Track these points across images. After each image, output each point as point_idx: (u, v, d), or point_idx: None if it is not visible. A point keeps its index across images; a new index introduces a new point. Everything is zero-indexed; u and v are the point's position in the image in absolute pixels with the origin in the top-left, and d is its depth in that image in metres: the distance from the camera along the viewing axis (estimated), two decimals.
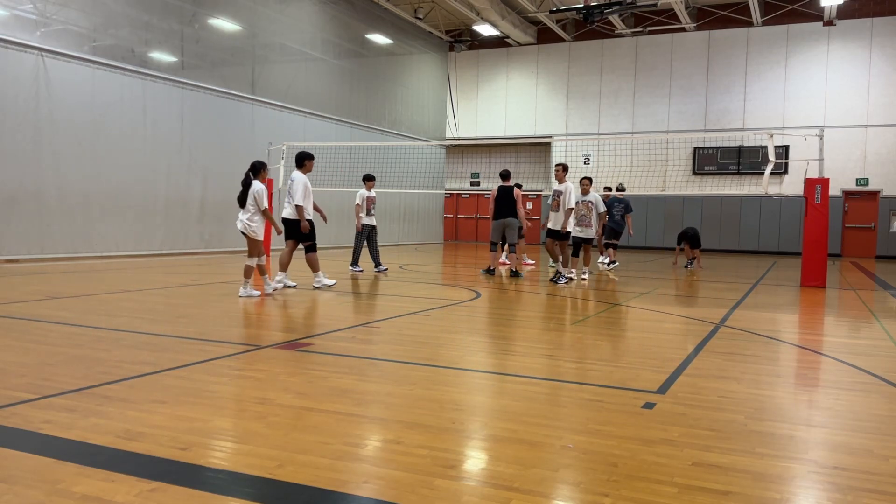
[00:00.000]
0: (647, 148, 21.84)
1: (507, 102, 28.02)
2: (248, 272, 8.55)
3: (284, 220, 9.50)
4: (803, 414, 3.95)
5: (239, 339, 5.75)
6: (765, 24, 23.67)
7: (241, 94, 17.51)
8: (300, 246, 9.55)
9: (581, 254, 11.83)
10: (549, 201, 11.44)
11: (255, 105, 17.96)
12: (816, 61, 23.24)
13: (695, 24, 24.29)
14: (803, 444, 3.34)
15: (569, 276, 11.31)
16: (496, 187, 12.20)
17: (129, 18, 14.84)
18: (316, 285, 9.46)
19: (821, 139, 11.81)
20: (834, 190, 20.46)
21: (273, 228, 8.97)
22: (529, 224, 17.82)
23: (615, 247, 15.01)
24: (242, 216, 8.58)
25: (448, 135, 28.00)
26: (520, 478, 2.79)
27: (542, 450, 3.14)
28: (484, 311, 8.06)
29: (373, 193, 12.24)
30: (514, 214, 11.98)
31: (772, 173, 12.78)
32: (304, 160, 9.50)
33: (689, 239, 15.75)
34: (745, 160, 23.72)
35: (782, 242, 23.55)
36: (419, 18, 24.37)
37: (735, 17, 23.90)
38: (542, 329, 6.93)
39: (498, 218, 12.07)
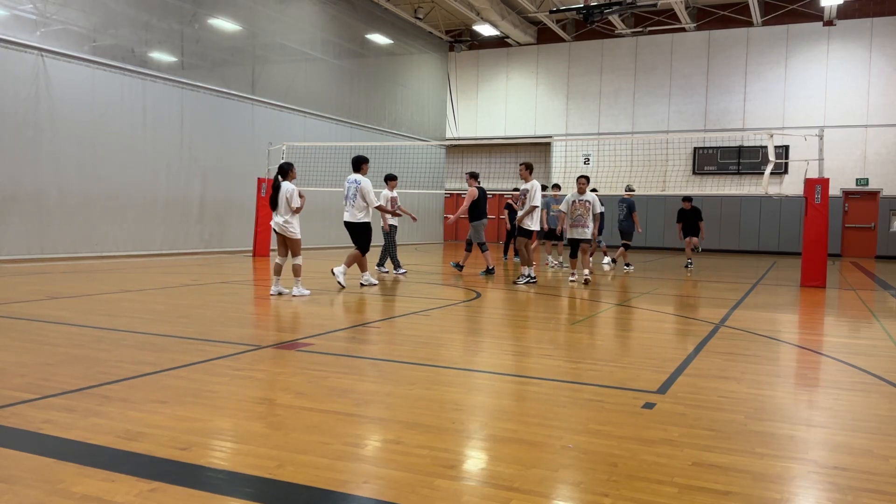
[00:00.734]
0: (647, 148, 21.85)
1: (507, 102, 28.02)
2: (297, 271, 8.72)
3: (347, 224, 9.77)
4: (803, 414, 3.95)
5: (239, 339, 5.76)
6: (765, 24, 23.67)
7: (241, 94, 17.52)
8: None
9: (579, 255, 11.47)
10: (516, 201, 11.44)
11: (255, 105, 17.96)
12: (816, 61, 23.24)
13: (695, 24, 24.29)
14: (803, 444, 3.34)
15: (529, 276, 11.07)
16: (475, 189, 12.66)
17: (129, 18, 14.84)
18: (338, 278, 9.75)
19: (821, 139, 11.81)
20: (834, 190, 20.47)
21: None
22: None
23: (627, 247, 14.95)
24: (278, 218, 8.64)
25: (448, 135, 28.00)
26: (520, 478, 2.79)
27: (542, 450, 3.14)
28: (484, 311, 8.06)
29: (395, 193, 12.26)
30: (482, 215, 12.87)
31: (772, 173, 12.78)
32: (362, 164, 9.78)
33: (686, 221, 15.49)
34: (745, 160, 23.73)
35: (782, 242, 23.55)
36: (419, 18, 24.37)
37: (735, 17, 23.90)
38: (542, 329, 6.93)
39: (483, 218, 12.78)
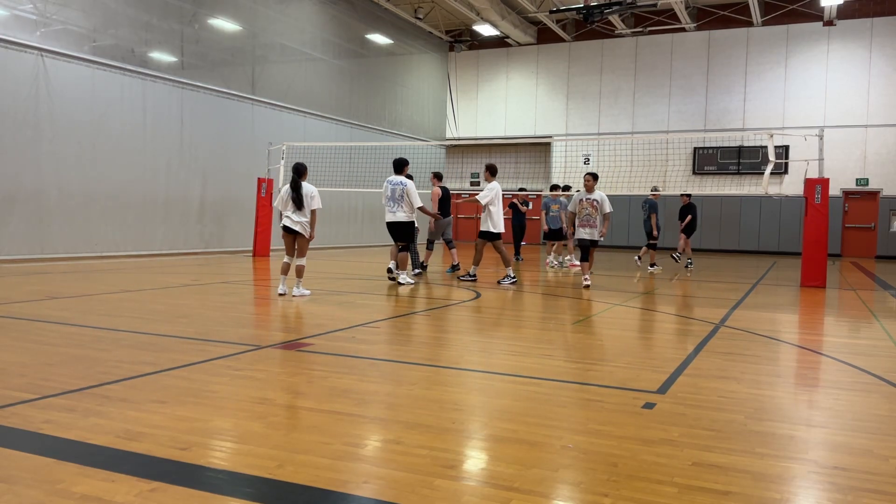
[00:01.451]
0: (647, 148, 21.85)
1: (507, 102, 28.01)
2: (300, 272, 8.70)
3: (388, 224, 10.30)
4: (803, 414, 3.95)
5: (239, 339, 5.76)
6: (765, 24, 23.67)
7: (241, 94, 17.52)
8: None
9: (590, 257, 10.85)
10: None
11: (255, 105, 17.96)
12: (816, 61, 23.24)
13: (695, 24, 24.29)
14: (803, 444, 3.34)
15: (511, 277, 10.94)
16: (439, 189, 12.78)
17: (129, 18, 14.84)
18: (402, 281, 10.31)
19: (821, 139, 11.81)
20: (834, 190, 20.45)
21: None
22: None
23: (651, 247, 14.89)
24: (298, 217, 8.58)
25: (448, 135, 27.99)
26: (520, 478, 2.79)
27: (542, 450, 3.14)
28: (484, 311, 8.06)
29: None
30: (447, 213, 13.07)
31: (772, 173, 12.78)
32: (404, 165, 10.36)
33: (682, 218, 15.38)
34: (745, 160, 23.72)
35: (782, 242, 23.55)
36: (419, 18, 24.37)
37: (735, 17, 23.90)
38: (542, 329, 6.93)
39: (447, 216, 12.96)
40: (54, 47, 13.06)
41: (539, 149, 27.18)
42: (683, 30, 24.66)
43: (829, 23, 22.96)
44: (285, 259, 8.81)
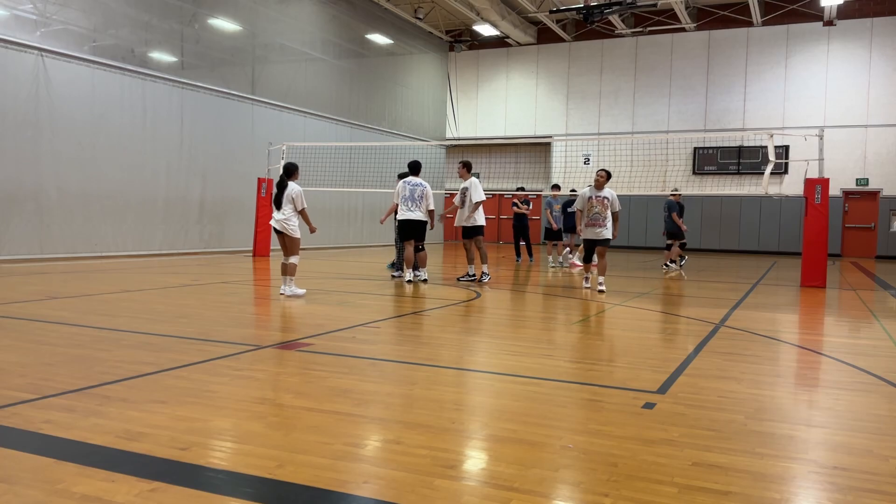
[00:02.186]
0: (647, 148, 21.85)
1: (507, 102, 28.01)
2: (289, 270, 8.62)
3: (407, 222, 10.49)
4: (803, 414, 3.95)
5: (239, 339, 5.76)
6: (765, 24, 23.67)
7: (241, 94, 17.52)
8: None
9: (595, 258, 10.12)
10: (456, 200, 11.13)
11: (255, 105, 17.96)
12: (816, 61, 23.25)
13: (695, 24, 24.29)
14: (803, 444, 3.34)
15: (473, 275, 10.89)
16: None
17: (129, 18, 14.85)
18: (425, 278, 10.78)
19: (821, 139, 11.81)
20: (834, 190, 20.45)
21: (309, 228, 8.95)
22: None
23: (676, 246, 14.83)
24: (279, 216, 8.60)
25: (448, 135, 28.00)
26: (520, 478, 2.79)
27: (542, 450, 3.14)
28: (484, 311, 8.06)
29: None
30: None
31: (772, 173, 12.78)
32: (420, 167, 10.76)
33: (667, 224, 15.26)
34: (745, 160, 23.73)
35: (782, 242, 23.55)
36: (419, 18, 24.37)
37: (735, 17, 23.90)
38: (542, 329, 6.93)
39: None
40: (54, 47, 13.06)
41: (539, 149, 27.18)
42: (683, 30, 24.66)
43: (829, 23, 22.96)
44: (283, 260, 8.79)
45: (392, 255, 12.66)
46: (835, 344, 6.45)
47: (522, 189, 17.24)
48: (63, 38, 13.54)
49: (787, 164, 19.94)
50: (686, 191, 24.21)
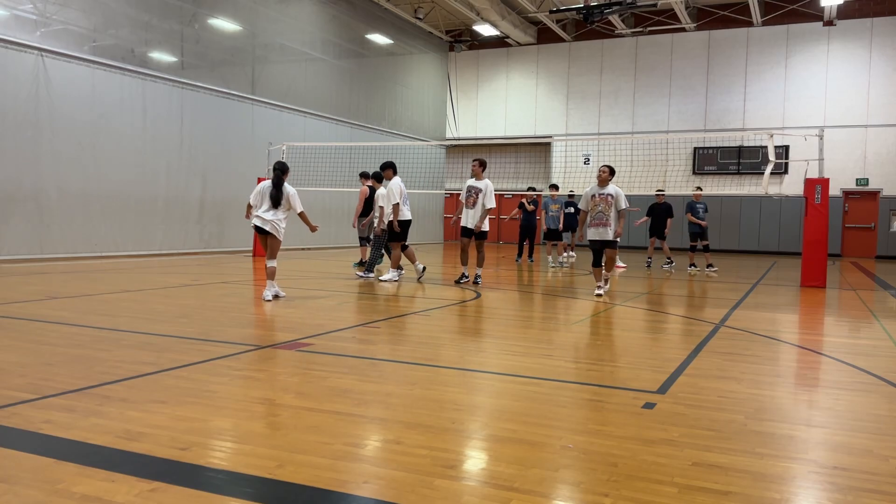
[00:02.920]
0: (647, 148, 21.85)
1: (507, 102, 28.02)
2: (273, 273, 8.34)
3: (409, 223, 10.82)
4: (803, 414, 3.95)
5: (239, 339, 5.75)
6: (765, 24, 23.67)
7: (241, 94, 17.52)
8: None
9: (603, 261, 9.41)
10: (462, 198, 10.59)
11: (255, 105, 17.96)
12: (816, 61, 23.25)
13: (695, 24, 24.29)
14: (803, 444, 3.34)
15: (468, 277, 10.69)
16: (367, 188, 13.03)
17: (129, 18, 14.84)
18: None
19: (821, 139, 11.81)
20: (834, 190, 20.45)
21: (310, 228, 8.67)
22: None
23: (698, 249, 14.67)
24: (271, 216, 8.16)
25: (448, 135, 28.00)
26: (520, 478, 2.79)
27: (542, 450, 3.14)
28: (484, 311, 8.06)
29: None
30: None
31: (772, 173, 12.77)
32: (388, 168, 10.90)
33: (656, 220, 15.13)
34: (745, 160, 23.73)
35: (782, 242, 23.55)
36: (419, 18, 24.37)
37: (735, 17, 23.90)
38: (542, 329, 6.93)
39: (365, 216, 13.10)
40: (54, 47, 13.06)
41: (539, 149, 27.18)
42: (683, 30, 24.66)
43: (829, 23, 22.96)
44: (267, 263, 8.30)
45: (357, 255, 12.68)
46: (835, 344, 6.45)
47: (533, 189, 17.21)
48: (63, 38, 13.54)
49: (787, 164, 19.93)
50: (686, 191, 24.22)
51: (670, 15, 24.06)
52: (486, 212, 10.37)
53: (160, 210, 15.37)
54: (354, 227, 13.33)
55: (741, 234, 24.14)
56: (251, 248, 16.51)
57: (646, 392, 4.22)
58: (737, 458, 3.06)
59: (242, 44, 18.04)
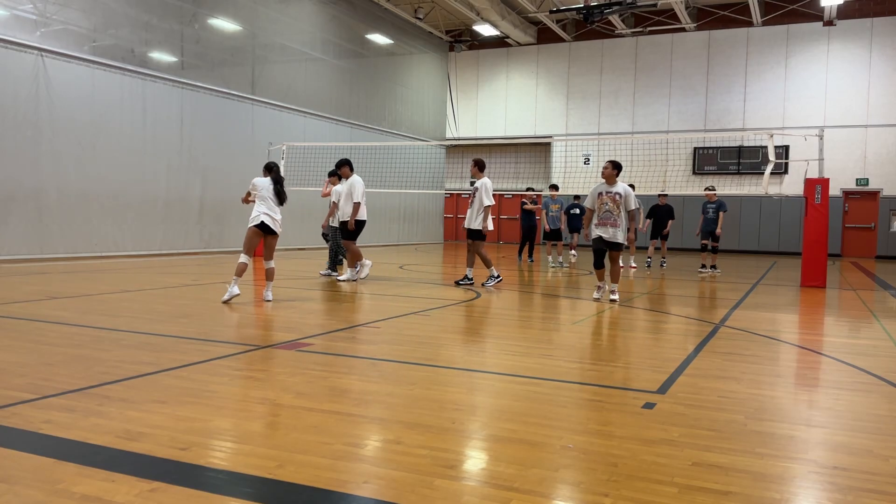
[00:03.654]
0: (647, 148, 21.85)
1: (507, 102, 28.02)
2: (272, 274, 8.31)
3: (364, 223, 10.91)
4: (803, 414, 3.95)
5: (239, 339, 5.75)
6: (765, 24, 23.67)
7: (241, 94, 17.51)
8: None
9: (606, 263, 8.90)
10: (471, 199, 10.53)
11: (255, 105, 17.96)
12: (816, 61, 23.25)
13: (695, 24, 24.29)
14: (803, 444, 3.34)
15: (471, 279, 10.51)
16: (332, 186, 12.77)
17: (129, 18, 14.84)
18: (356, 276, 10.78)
19: (821, 139, 11.81)
20: (834, 190, 20.47)
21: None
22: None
23: (708, 249, 14.46)
24: (277, 215, 8.10)
25: (448, 135, 28.00)
26: (520, 478, 2.79)
27: (542, 450, 3.14)
28: (484, 311, 8.06)
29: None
30: None
31: (772, 173, 12.77)
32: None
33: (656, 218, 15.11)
34: (745, 160, 23.73)
35: (782, 242, 23.55)
36: (419, 18, 24.37)
37: (735, 17, 23.90)
38: (543, 329, 6.93)
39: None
40: (54, 47, 13.06)
41: (539, 149, 27.18)
42: (683, 30, 24.66)
43: (829, 23, 22.96)
44: (243, 259, 7.99)
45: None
46: (835, 344, 6.45)
47: (532, 189, 17.23)
48: (63, 38, 13.54)
49: (787, 164, 19.94)
50: (686, 191, 24.25)
51: (670, 15, 24.06)
52: (484, 210, 10.26)
53: (160, 210, 15.36)
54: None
55: (741, 234, 24.14)
56: None
57: (646, 392, 4.22)
58: (737, 458, 3.06)
59: (242, 44, 18.04)
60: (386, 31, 23.45)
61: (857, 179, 22.88)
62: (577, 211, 15.52)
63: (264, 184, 8.14)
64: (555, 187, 15.81)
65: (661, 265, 15.54)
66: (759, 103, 23.95)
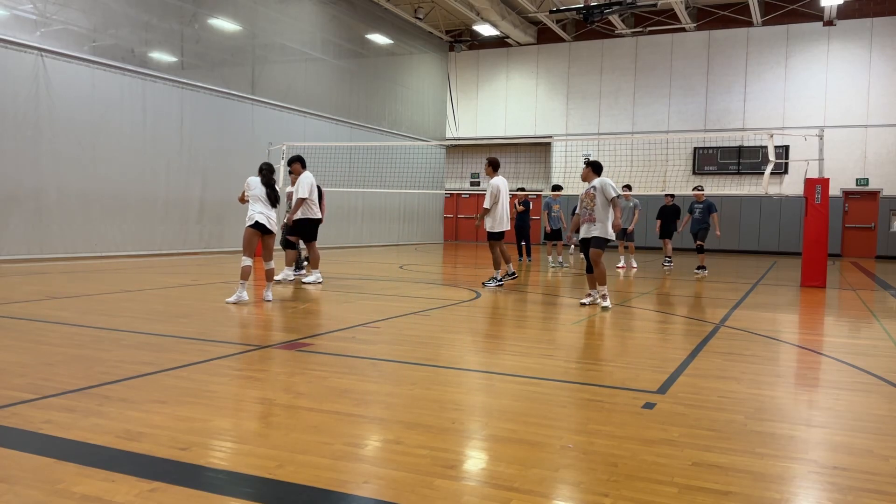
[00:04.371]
0: (648, 148, 21.85)
1: (507, 102, 28.02)
2: (272, 275, 8.32)
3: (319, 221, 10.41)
4: (803, 414, 3.94)
5: (239, 339, 5.75)
6: (765, 24, 23.67)
7: (241, 94, 17.51)
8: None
9: (594, 262, 8.38)
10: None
11: (255, 105, 17.96)
12: (816, 61, 23.25)
13: (695, 24, 24.30)
14: (803, 444, 3.34)
15: (499, 279, 10.42)
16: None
17: (129, 18, 14.84)
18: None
19: (821, 139, 11.81)
20: (834, 190, 20.47)
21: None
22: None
23: (700, 249, 14.38)
24: (272, 214, 8.13)
25: (448, 135, 28.01)
26: (520, 478, 2.79)
27: (542, 450, 3.14)
28: (483, 311, 8.06)
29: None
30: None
31: (772, 173, 12.77)
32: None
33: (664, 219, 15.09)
34: (745, 160, 23.73)
35: (782, 242, 23.55)
36: (419, 18, 24.38)
37: (735, 17, 23.90)
38: (542, 329, 6.93)
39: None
40: (54, 47, 13.06)
41: (539, 149, 27.18)
42: (683, 30, 24.66)
43: (829, 23, 22.96)
44: (248, 262, 7.98)
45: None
46: (835, 344, 6.45)
47: (522, 189, 17.15)
48: (63, 38, 13.54)
49: (787, 164, 19.93)
50: (686, 191, 24.22)
51: (670, 15, 24.06)
52: (484, 211, 10.35)
53: (160, 210, 15.36)
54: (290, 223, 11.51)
55: (741, 234, 24.14)
56: None
57: (646, 392, 4.22)
58: (737, 458, 3.06)
59: (242, 44, 18.04)
60: (386, 31, 23.45)
61: (857, 179, 22.88)
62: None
63: (257, 183, 8.18)
64: (557, 188, 15.77)
65: (664, 264, 15.48)
66: (759, 103, 23.95)
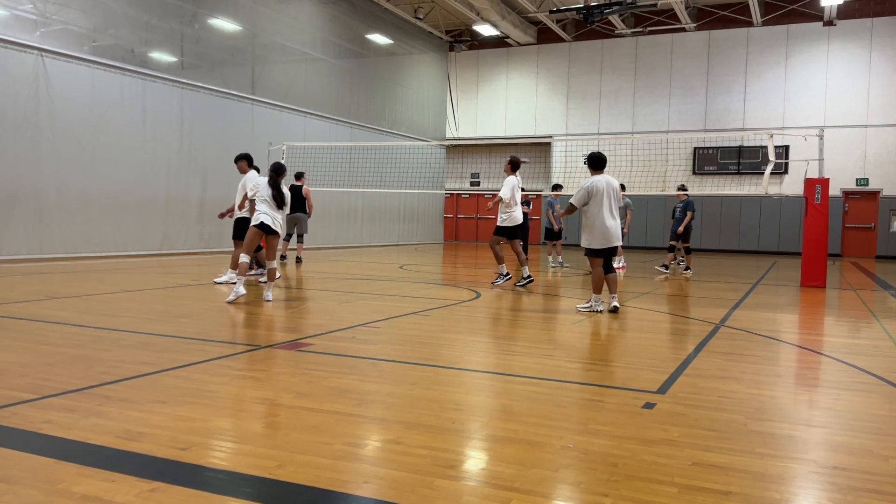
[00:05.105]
0: (647, 148, 21.85)
1: (507, 102, 28.02)
2: (274, 275, 8.32)
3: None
4: (803, 414, 3.95)
5: (239, 339, 5.75)
6: (765, 24, 23.68)
7: (241, 94, 17.51)
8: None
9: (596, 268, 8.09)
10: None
11: (255, 105, 17.96)
12: (816, 61, 23.25)
13: (695, 24, 24.30)
14: (803, 444, 3.34)
15: (505, 273, 10.50)
16: (290, 185, 12.48)
17: (129, 18, 14.84)
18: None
19: (821, 139, 11.81)
20: (834, 190, 20.45)
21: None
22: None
23: (671, 248, 14.34)
24: (279, 215, 8.16)
25: (448, 135, 28.00)
26: (520, 478, 2.79)
27: (542, 450, 3.14)
28: (484, 311, 8.06)
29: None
30: (304, 210, 13.74)
31: (772, 173, 12.77)
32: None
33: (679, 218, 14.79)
34: (745, 160, 23.74)
35: (782, 242, 23.55)
36: (419, 18, 24.37)
37: (735, 17, 23.90)
38: (542, 329, 6.93)
39: (291, 213, 13.23)
40: (54, 47, 13.05)
41: (539, 149, 27.17)
42: (683, 30, 24.66)
43: (829, 23, 22.96)
44: (245, 258, 8.03)
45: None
46: (835, 344, 6.45)
47: (523, 189, 17.10)
48: (63, 38, 13.53)
49: (787, 164, 19.93)
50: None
51: (670, 15, 24.06)
52: (499, 199, 10.43)
53: (160, 210, 15.36)
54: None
55: (741, 234, 24.14)
56: None
57: (646, 392, 4.22)
58: (737, 458, 3.06)
59: (242, 44, 18.04)
60: (386, 31, 23.44)
61: (857, 179, 22.88)
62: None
63: (264, 184, 8.27)
64: (558, 187, 15.77)
65: (658, 267, 15.35)
66: (759, 103, 23.95)
